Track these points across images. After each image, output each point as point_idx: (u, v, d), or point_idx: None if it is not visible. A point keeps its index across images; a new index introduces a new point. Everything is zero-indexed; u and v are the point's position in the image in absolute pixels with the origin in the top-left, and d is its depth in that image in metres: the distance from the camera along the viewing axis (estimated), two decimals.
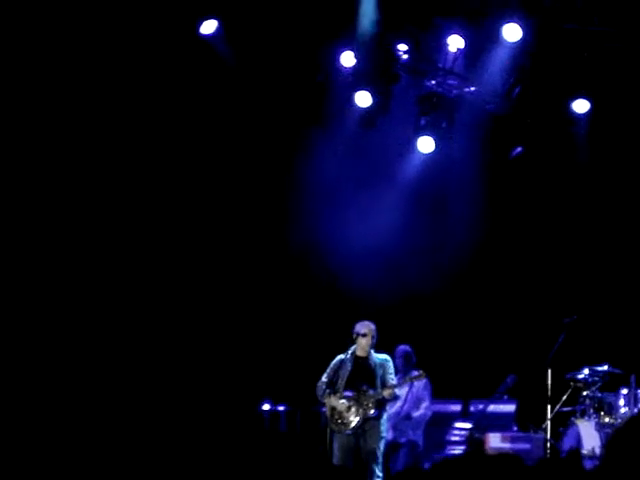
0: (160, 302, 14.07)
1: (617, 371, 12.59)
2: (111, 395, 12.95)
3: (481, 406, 13.15)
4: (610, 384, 12.66)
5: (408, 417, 12.66)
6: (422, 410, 12.74)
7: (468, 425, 13.11)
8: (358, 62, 13.19)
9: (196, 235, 14.54)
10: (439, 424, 13.27)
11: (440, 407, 13.33)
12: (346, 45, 13.31)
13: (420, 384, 12.56)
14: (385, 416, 11.63)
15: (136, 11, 12.97)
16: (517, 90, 13.39)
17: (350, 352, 11.69)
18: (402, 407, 12.59)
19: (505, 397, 13.28)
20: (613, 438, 2.16)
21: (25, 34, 12.81)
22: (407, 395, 12.50)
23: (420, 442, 12.77)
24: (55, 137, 13.55)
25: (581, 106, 13.64)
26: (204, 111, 14.00)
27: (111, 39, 13.14)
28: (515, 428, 13.13)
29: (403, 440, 12.64)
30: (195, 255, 14.56)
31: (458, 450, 13.06)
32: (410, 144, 14.02)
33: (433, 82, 13.62)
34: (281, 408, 13.91)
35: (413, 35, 13.24)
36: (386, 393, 11.42)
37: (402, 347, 12.67)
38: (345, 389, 11.56)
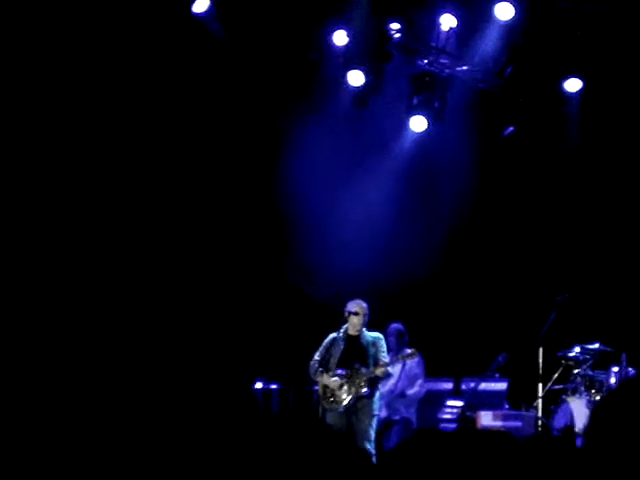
0: (152, 285, 14.01)
1: (608, 349, 12.63)
2: (100, 375, 12.91)
3: (473, 384, 13.15)
4: (601, 362, 12.71)
5: (402, 395, 12.69)
6: (416, 388, 12.77)
7: (460, 403, 13.17)
8: (350, 41, 13.14)
9: (184, 219, 14.45)
10: (431, 402, 13.33)
11: (432, 385, 13.36)
12: (339, 24, 13.28)
13: (413, 362, 12.59)
14: (377, 394, 11.67)
15: None
16: (509, 69, 13.38)
17: (342, 330, 11.73)
18: (396, 385, 12.62)
19: (497, 375, 13.32)
20: (594, 414, 2.19)
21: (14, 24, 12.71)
22: (400, 373, 12.53)
23: (413, 420, 12.80)
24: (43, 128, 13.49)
25: (573, 85, 13.65)
26: (196, 90, 13.90)
27: (101, 22, 13.06)
28: (507, 406, 13.17)
29: (396, 418, 12.67)
30: (185, 238, 14.51)
31: (450, 427, 13.12)
32: (403, 123, 14.01)
33: (425, 61, 13.59)
34: (274, 386, 13.95)
35: (405, 14, 13.20)
36: (378, 371, 11.47)
37: (394, 325, 12.67)
38: (337, 367, 11.60)
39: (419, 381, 12.82)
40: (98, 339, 13.28)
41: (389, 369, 11.67)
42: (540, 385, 12.59)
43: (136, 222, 14.09)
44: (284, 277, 14.91)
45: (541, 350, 12.50)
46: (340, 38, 13.32)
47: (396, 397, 12.68)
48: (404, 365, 12.47)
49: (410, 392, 12.76)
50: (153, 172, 14.09)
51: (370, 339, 11.67)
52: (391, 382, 12.51)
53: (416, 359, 12.51)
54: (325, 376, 11.63)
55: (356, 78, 13.27)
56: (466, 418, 12.80)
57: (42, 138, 13.34)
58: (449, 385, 13.77)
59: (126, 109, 13.82)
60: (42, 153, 13.35)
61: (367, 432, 11.38)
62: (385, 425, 12.45)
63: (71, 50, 13.06)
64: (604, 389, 12.50)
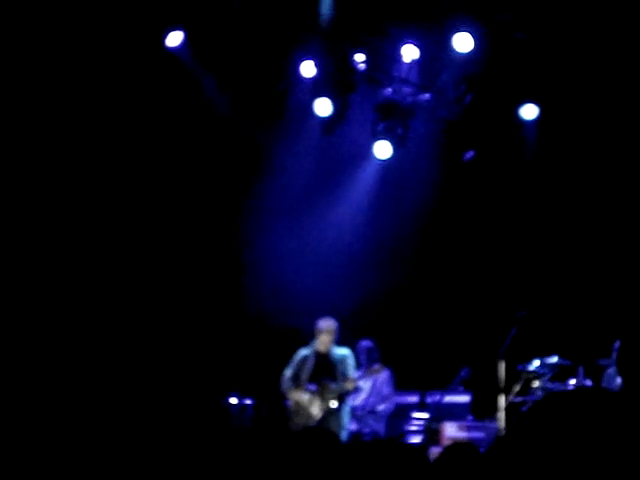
0: (125, 297, 14.13)
1: (566, 362, 12.69)
2: (74, 390, 12.95)
3: (437, 397, 13.20)
4: (560, 375, 12.72)
5: (373, 411, 12.93)
6: (387, 404, 13.01)
7: (426, 415, 13.25)
8: (318, 72, 13.48)
9: (155, 234, 14.62)
10: (398, 415, 13.47)
11: (399, 399, 13.50)
12: (307, 55, 13.55)
13: (384, 378, 12.81)
14: (347, 408, 11.96)
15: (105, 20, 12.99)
16: (469, 97, 13.62)
17: (312, 347, 12.00)
18: (367, 400, 12.82)
19: (460, 388, 13.47)
20: (528, 409, 2.45)
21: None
22: (371, 389, 12.76)
23: (382, 432, 13.02)
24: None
25: (530, 112, 14.00)
26: (165, 120, 14.12)
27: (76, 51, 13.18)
28: (470, 418, 13.32)
29: (366, 431, 12.88)
30: (158, 249, 14.64)
31: (417, 439, 13.33)
32: (368, 150, 14.24)
33: (389, 90, 13.86)
34: (248, 402, 14.09)
35: (369, 45, 13.50)
36: (348, 386, 11.74)
37: (364, 342, 12.95)
38: (308, 383, 11.85)
39: (390, 398, 13.07)
40: (73, 356, 13.38)
41: (358, 383, 11.94)
42: (502, 397, 12.49)
43: (105, 239, 14.21)
44: (256, 294, 15.09)
45: (502, 364, 12.45)
46: (308, 69, 13.64)
47: (367, 413, 12.92)
48: (375, 381, 12.70)
49: (380, 408, 12.99)
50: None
51: (339, 356, 11.91)
52: (362, 397, 12.73)
53: (386, 375, 12.77)
54: (296, 392, 11.87)
55: (323, 107, 13.66)
56: (431, 430, 12.83)
57: (27, 141, 13.51)
58: (415, 398, 13.84)
59: (100, 135, 13.99)
60: (26, 158, 13.51)
61: None
62: (355, 438, 12.64)
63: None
64: None
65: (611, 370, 12.29)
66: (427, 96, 13.88)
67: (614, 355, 12.48)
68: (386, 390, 13.09)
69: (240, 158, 14.73)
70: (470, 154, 14.24)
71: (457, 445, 5.14)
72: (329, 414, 11.73)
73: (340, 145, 14.21)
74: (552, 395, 2.25)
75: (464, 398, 13.62)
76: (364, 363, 12.67)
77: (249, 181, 14.70)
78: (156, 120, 14.05)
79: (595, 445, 2.10)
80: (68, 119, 13.70)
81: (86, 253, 14.06)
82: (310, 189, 14.84)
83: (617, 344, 12.37)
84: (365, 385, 12.47)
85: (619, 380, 12.15)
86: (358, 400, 12.74)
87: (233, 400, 13.85)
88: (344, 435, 11.81)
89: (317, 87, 13.41)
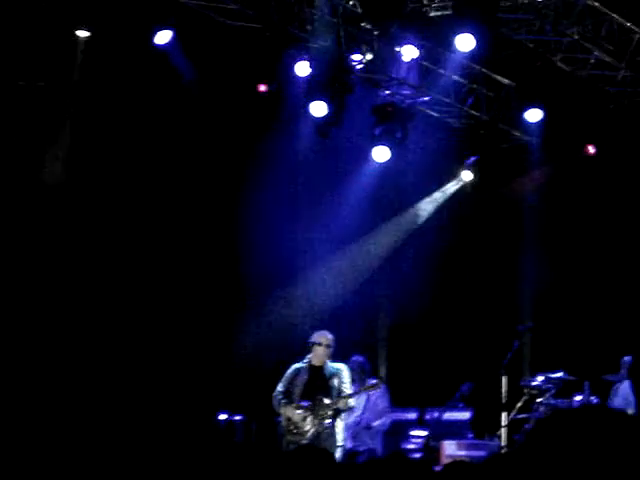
0: (115, 312, 13.91)
1: (571, 378, 12.62)
2: (65, 403, 12.88)
3: (437, 414, 13.16)
4: (564, 391, 12.69)
5: (368, 427, 12.72)
6: (382, 420, 12.81)
7: (424, 433, 13.13)
8: (312, 72, 13.18)
9: (151, 248, 14.40)
10: (396, 432, 13.32)
11: (397, 415, 13.37)
12: (301, 55, 13.32)
13: (378, 394, 12.60)
14: (342, 425, 11.63)
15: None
16: (470, 100, 13.47)
17: (306, 361, 11.68)
18: (361, 417, 12.62)
19: (460, 405, 13.35)
20: (534, 427, 2.27)
21: None
22: (366, 405, 12.54)
23: (379, 449, 12.81)
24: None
25: (534, 115, 13.75)
26: (159, 122, 13.90)
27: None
28: (470, 435, 13.18)
29: (362, 448, 12.63)
30: (152, 262, 14.42)
31: (415, 457, 13.11)
32: (366, 153, 14.04)
33: (387, 92, 13.64)
34: (238, 418, 13.89)
35: (368, 45, 13.24)
36: (341, 403, 11.40)
37: (355, 358, 12.69)
38: (301, 399, 11.54)
39: (386, 413, 12.86)
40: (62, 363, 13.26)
41: (352, 401, 11.63)
42: (504, 414, 12.54)
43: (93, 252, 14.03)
44: (249, 307, 14.87)
45: (504, 379, 12.42)
46: (302, 69, 13.34)
47: (362, 429, 12.68)
48: (369, 397, 12.46)
49: (375, 424, 12.78)
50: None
51: (333, 370, 11.62)
52: (356, 414, 12.50)
53: (380, 390, 12.51)
54: (289, 408, 11.56)
55: (319, 109, 13.30)
56: (430, 448, 12.77)
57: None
58: (413, 415, 13.75)
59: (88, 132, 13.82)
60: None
61: None
62: (350, 456, 12.40)
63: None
64: None
65: (620, 385, 12.01)
66: (427, 98, 13.62)
67: (622, 371, 12.29)
68: (381, 405, 12.87)
69: (234, 161, 14.43)
70: (473, 159, 14.12)
71: (457, 464, 4.82)
72: (323, 431, 11.34)
73: (339, 149, 13.96)
74: (558, 412, 2.26)
75: (464, 415, 13.47)
76: (357, 378, 12.36)
77: (241, 188, 14.38)
78: (152, 117, 13.86)
79: (601, 464, 2.08)
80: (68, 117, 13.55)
81: (76, 252, 13.83)
82: (306, 193, 14.62)
83: (627, 359, 12.16)
84: (359, 402, 12.16)
85: (630, 396, 11.86)
86: (353, 416, 12.40)
87: (223, 416, 13.63)
88: (339, 453, 11.44)
89: (312, 88, 13.02)
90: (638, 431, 2.12)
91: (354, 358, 12.65)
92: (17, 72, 13.26)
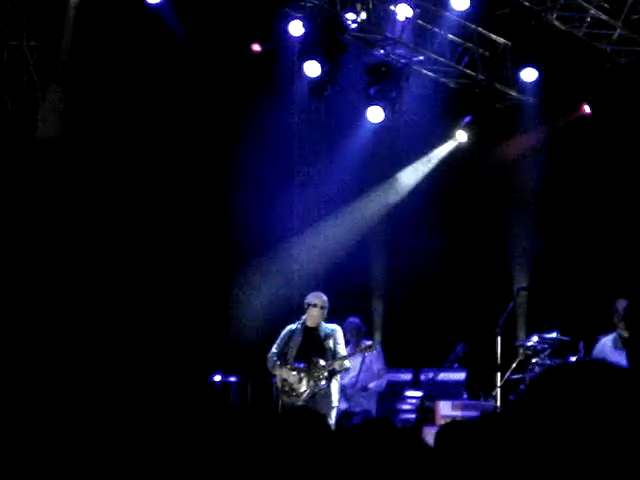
0: (109, 275, 13.89)
1: (566, 339, 12.60)
2: (58, 368, 12.85)
3: (431, 375, 13.17)
4: (559, 351, 12.65)
5: (364, 389, 12.71)
6: (378, 381, 12.81)
7: (419, 394, 13.13)
8: (306, 31, 13.06)
9: (143, 214, 14.31)
10: (391, 393, 13.33)
11: (391, 376, 13.35)
12: (295, 14, 13.19)
13: (373, 356, 12.56)
14: (337, 386, 11.62)
15: None
16: (466, 59, 13.36)
17: (300, 322, 11.65)
18: (357, 378, 12.58)
19: (455, 365, 13.33)
20: (527, 385, 2.22)
21: None
22: (361, 366, 12.48)
23: (374, 411, 12.81)
24: None
25: (529, 75, 13.66)
26: (151, 81, 13.75)
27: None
28: (465, 396, 13.14)
29: (357, 409, 12.64)
30: (142, 232, 14.38)
31: (410, 418, 13.14)
32: (361, 114, 13.94)
33: (382, 51, 13.52)
34: (232, 379, 13.88)
35: (362, 4, 13.11)
36: (337, 364, 11.38)
37: (351, 319, 12.66)
38: (296, 360, 11.52)
39: (382, 375, 12.86)
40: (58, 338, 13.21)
41: (348, 362, 11.62)
42: (498, 375, 12.51)
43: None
44: (243, 271, 14.82)
45: (499, 340, 12.38)
46: (296, 28, 13.21)
47: (358, 390, 12.67)
48: (364, 358, 12.43)
49: (372, 385, 12.78)
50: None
51: (328, 331, 11.59)
52: (351, 375, 12.47)
53: (375, 352, 12.48)
54: (284, 369, 11.53)
55: (313, 69, 13.19)
56: (425, 408, 12.75)
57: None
58: (408, 376, 13.76)
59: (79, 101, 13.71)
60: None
61: None
62: (345, 416, 12.41)
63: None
64: None
65: (605, 340, 11.95)
66: (422, 58, 13.53)
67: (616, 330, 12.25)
68: (377, 367, 12.86)
69: (227, 122, 14.32)
70: (467, 119, 14.02)
71: (452, 424, 4.75)
72: (318, 392, 11.33)
73: (333, 108, 13.86)
74: (550, 369, 2.17)
75: (459, 375, 13.46)
76: (352, 339, 12.35)
77: (233, 150, 14.30)
78: (145, 78, 13.72)
79: (598, 422, 2.04)
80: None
81: (70, 244, 13.75)
82: (300, 154, 14.54)
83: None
84: (354, 363, 12.13)
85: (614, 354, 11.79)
86: (348, 378, 12.39)
87: (217, 377, 13.59)
88: (334, 414, 11.43)
89: (306, 48, 12.89)
90: (634, 384, 2.10)
91: (350, 319, 12.63)
92: (8, 32, 13.16)
